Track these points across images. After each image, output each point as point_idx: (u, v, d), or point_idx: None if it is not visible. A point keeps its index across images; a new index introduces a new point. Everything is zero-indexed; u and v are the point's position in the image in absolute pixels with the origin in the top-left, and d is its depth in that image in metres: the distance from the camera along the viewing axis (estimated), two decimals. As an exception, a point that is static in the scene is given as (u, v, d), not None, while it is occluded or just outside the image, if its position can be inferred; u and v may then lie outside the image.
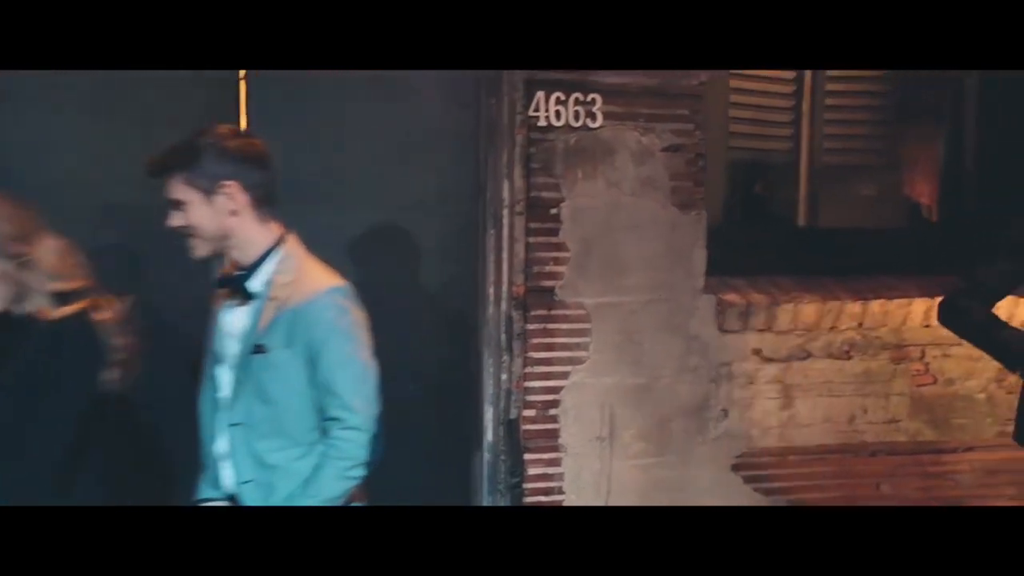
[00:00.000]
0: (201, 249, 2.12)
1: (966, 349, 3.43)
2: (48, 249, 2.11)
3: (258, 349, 2.08)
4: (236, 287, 2.14)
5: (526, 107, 3.06)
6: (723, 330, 3.27)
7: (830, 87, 3.72)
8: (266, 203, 2.13)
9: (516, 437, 3.16)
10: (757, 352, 3.33)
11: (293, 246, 2.17)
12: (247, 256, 2.13)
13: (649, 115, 3.17)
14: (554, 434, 3.20)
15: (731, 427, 3.33)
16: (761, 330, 3.30)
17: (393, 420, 3.19)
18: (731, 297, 3.28)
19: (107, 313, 2.13)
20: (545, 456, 3.20)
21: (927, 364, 3.44)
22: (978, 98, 3.77)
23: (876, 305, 3.36)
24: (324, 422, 2.11)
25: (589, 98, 3.11)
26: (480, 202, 3.24)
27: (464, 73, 3.19)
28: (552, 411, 3.19)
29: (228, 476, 2.17)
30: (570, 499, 3.23)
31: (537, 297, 3.14)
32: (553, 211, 3.12)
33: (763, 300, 3.29)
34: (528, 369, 3.15)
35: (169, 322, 2.75)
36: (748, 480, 3.36)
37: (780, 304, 3.29)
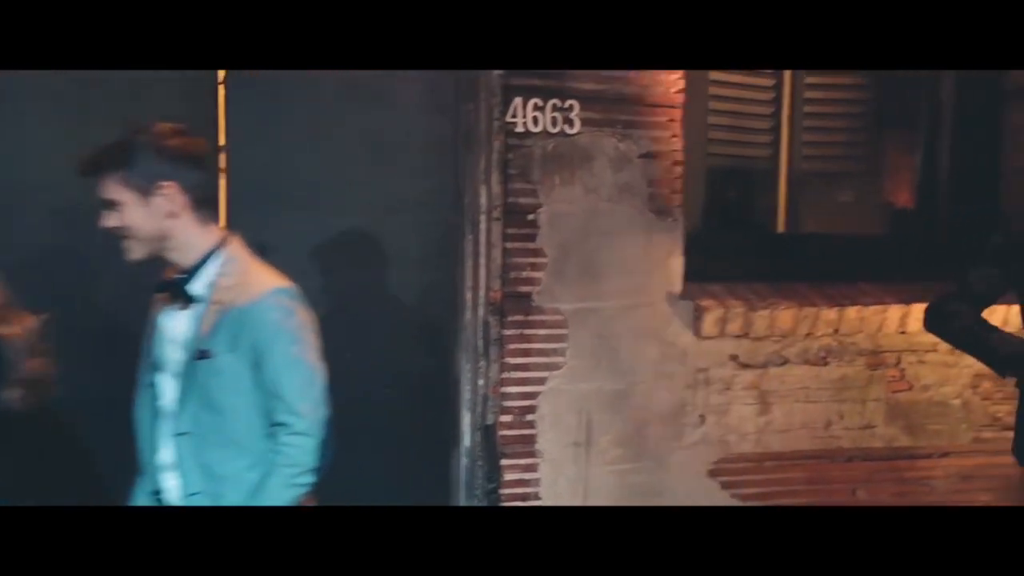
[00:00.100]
0: (136, 251, 2.04)
1: (941, 356, 3.47)
2: None
3: (202, 355, 2.01)
4: (177, 291, 2.06)
5: (504, 113, 3.07)
6: (700, 336, 3.28)
7: (809, 95, 3.73)
8: (207, 204, 2.08)
9: (493, 442, 3.17)
10: (734, 358, 3.34)
11: (236, 248, 2.10)
12: (187, 259, 2.06)
13: (627, 121, 3.18)
14: (531, 440, 3.20)
15: (708, 433, 3.34)
16: (738, 336, 3.32)
17: (371, 424, 3.22)
18: (708, 303, 3.29)
19: (14, 329, 2.05)
20: (522, 462, 3.21)
21: (903, 370, 3.46)
22: (954, 105, 3.78)
23: (852, 311, 3.37)
24: (270, 428, 2.04)
25: (567, 104, 3.12)
26: (459, 208, 3.24)
27: (442, 78, 3.20)
28: (529, 417, 3.19)
29: (173, 488, 2.09)
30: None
31: (514, 303, 3.15)
32: (530, 217, 3.13)
33: (740, 306, 3.31)
34: (505, 375, 3.16)
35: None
36: (725, 486, 3.37)
37: (757, 310, 3.30)
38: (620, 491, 3.27)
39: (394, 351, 3.28)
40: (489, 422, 3.16)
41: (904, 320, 3.38)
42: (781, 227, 3.77)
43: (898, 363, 3.46)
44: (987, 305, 2.57)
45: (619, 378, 3.24)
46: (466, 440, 3.20)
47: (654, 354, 3.27)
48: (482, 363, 3.14)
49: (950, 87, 3.79)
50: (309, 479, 2.05)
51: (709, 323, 3.26)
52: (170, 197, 2.00)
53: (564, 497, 3.23)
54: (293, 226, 3.18)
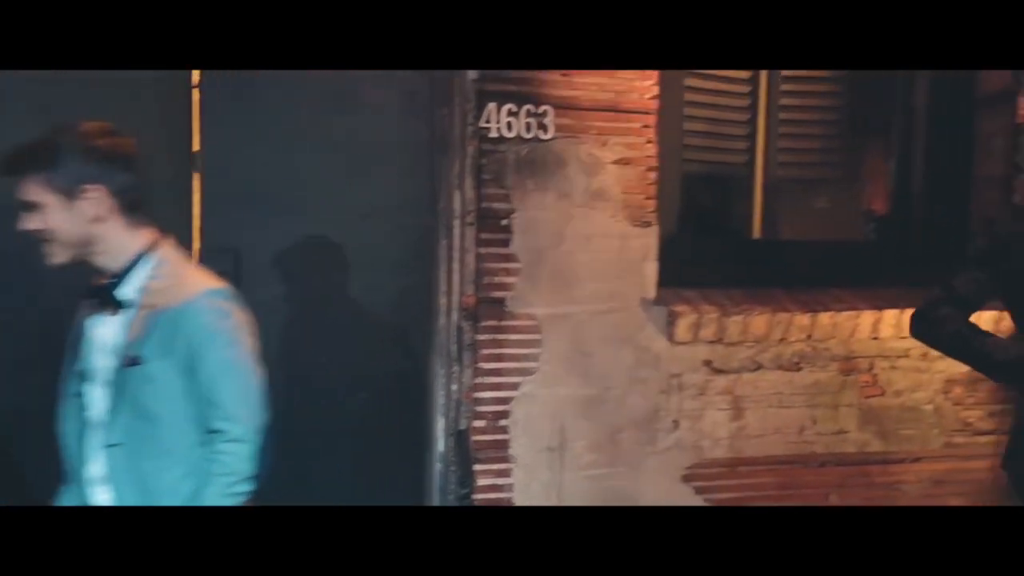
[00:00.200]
0: (59, 255, 1.95)
1: (913, 361, 3.49)
2: None
3: (132, 361, 1.93)
4: (105, 296, 1.98)
5: (477, 118, 3.07)
6: (674, 341, 3.29)
7: (784, 101, 3.75)
8: (137, 208, 1.98)
9: (466, 447, 3.17)
10: (707, 363, 3.35)
11: (168, 250, 2.02)
12: (115, 263, 1.97)
13: (601, 128, 3.19)
14: (504, 445, 3.20)
15: (681, 438, 3.35)
16: (712, 342, 3.33)
17: (344, 429, 3.22)
18: (682, 308, 3.29)
19: None
20: (495, 467, 3.20)
21: (875, 376, 3.48)
22: (927, 112, 3.81)
23: (825, 317, 3.39)
24: (206, 435, 1.96)
25: (541, 110, 3.12)
26: (435, 212, 3.24)
27: (418, 83, 3.21)
28: (502, 422, 3.19)
29: (104, 502, 2.01)
30: (520, 509, 3.24)
31: (487, 308, 3.15)
32: (504, 222, 3.13)
33: (714, 312, 3.32)
34: (478, 380, 3.16)
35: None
36: (699, 491, 3.37)
37: (731, 316, 3.32)
38: (594, 496, 3.27)
39: (367, 355, 3.28)
40: (462, 427, 3.16)
41: (876, 326, 3.40)
42: (756, 233, 3.78)
43: (871, 368, 3.47)
44: (975, 309, 2.52)
45: (593, 383, 3.25)
46: (439, 445, 3.20)
47: (628, 359, 3.27)
48: (455, 368, 3.14)
49: (924, 93, 3.82)
50: (246, 487, 1.97)
51: (683, 328, 3.27)
52: (97, 201, 1.92)
53: (538, 502, 3.23)
54: (267, 230, 3.18)
